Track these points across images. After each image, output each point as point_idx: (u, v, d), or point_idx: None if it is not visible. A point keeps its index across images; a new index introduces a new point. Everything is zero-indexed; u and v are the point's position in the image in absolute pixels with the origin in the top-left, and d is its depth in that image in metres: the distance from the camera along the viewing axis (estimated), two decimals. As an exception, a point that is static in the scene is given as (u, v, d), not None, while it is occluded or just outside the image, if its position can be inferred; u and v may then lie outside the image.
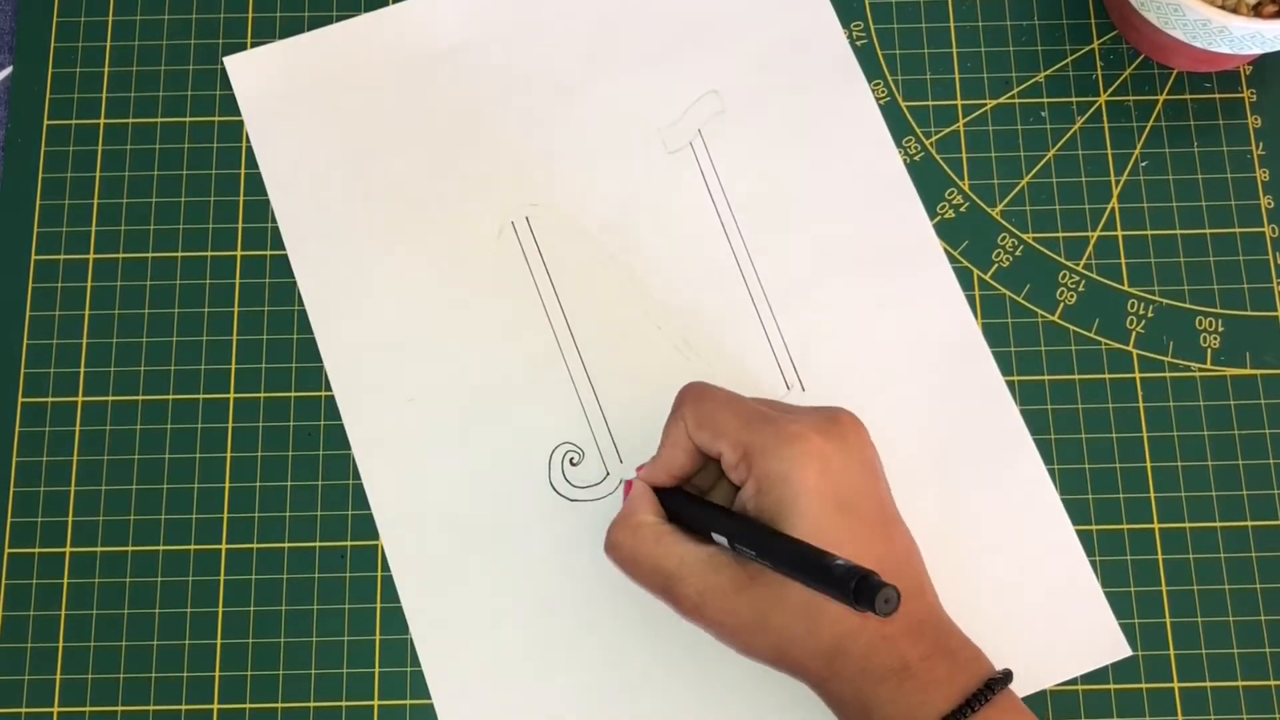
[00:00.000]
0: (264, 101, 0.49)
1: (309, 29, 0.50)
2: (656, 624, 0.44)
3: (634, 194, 0.48)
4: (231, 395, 0.47)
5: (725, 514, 0.39)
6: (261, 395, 0.47)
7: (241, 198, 0.49)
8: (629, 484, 0.43)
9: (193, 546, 0.45)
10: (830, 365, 0.47)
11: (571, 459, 0.46)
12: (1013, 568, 0.45)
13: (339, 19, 0.50)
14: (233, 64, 0.50)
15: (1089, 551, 0.45)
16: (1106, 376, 0.47)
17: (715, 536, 0.38)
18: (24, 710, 0.44)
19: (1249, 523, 0.45)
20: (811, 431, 0.38)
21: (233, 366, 0.47)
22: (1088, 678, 0.44)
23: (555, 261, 0.48)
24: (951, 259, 0.48)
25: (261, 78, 0.50)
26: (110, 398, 0.47)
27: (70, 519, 0.46)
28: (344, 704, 0.44)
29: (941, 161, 0.49)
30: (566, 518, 0.45)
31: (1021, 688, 0.43)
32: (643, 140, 0.49)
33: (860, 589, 0.32)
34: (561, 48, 0.50)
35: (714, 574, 0.38)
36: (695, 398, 0.40)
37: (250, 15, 0.51)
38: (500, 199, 0.48)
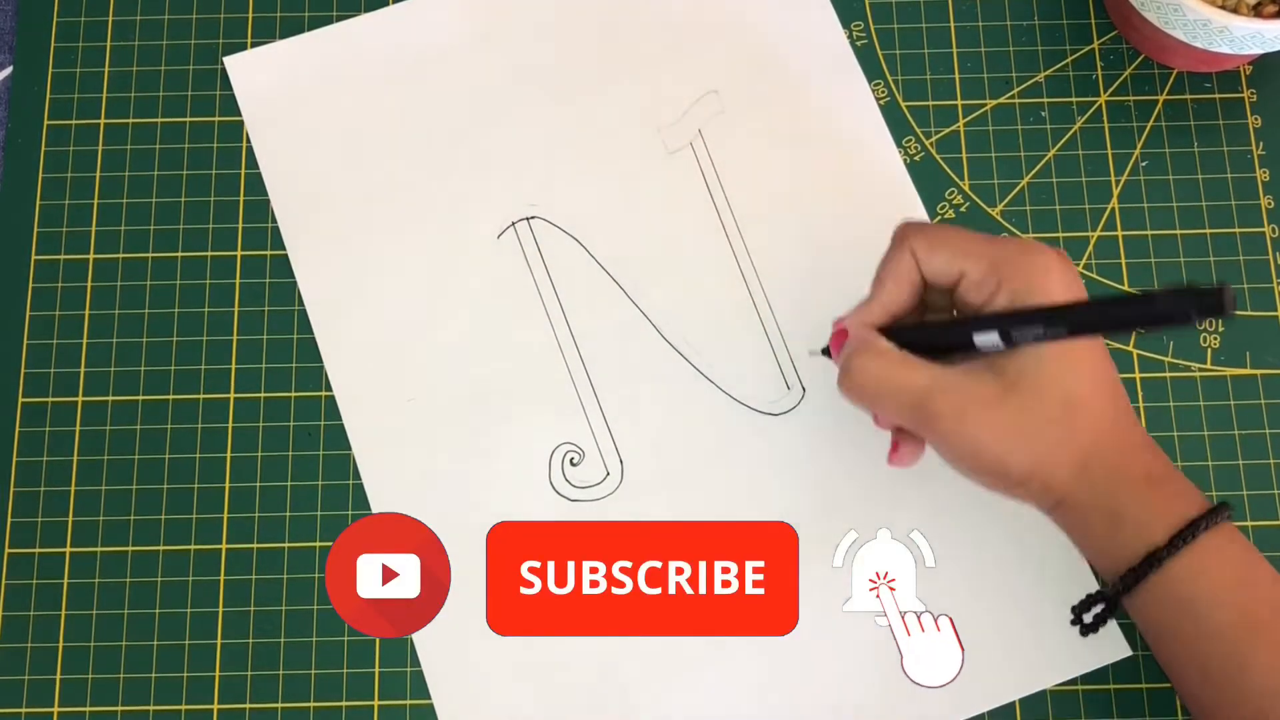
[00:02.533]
0: (264, 101, 0.49)
1: (309, 29, 0.50)
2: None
3: (634, 194, 0.48)
4: (231, 395, 0.47)
5: (983, 316, 0.38)
6: (261, 395, 0.47)
7: (241, 198, 0.49)
8: (840, 332, 0.40)
9: (193, 546, 0.45)
10: (831, 365, 0.46)
11: (571, 459, 0.46)
12: (1016, 571, 0.45)
13: (339, 19, 0.50)
14: (233, 64, 0.50)
15: (1089, 551, 0.45)
16: (1107, 376, 0.47)
17: (978, 339, 0.37)
18: (24, 710, 0.44)
19: (1249, 523, 0.45)
20: (1047, 246, 0.38)
21: (233, 366, 0.47)
22: (1088, 678, 0.44)
23: (555, 261, 0.48)
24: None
25: (261, 78, 0.50)
26: (110, 398, 0.47)
27: (70, 519, 0.46)
28: (344, 704, 0.44)
29: (941, 161, 0.49)
30: (567, 517, 0.45)
31: (1022, 688, 0.43)
32: (643, 140, 0.49)
33: (1202, 301, 0.31)
34: (562, 47, 0.50)
35: (974, 385, 0.37)
36: (920, 228, 0.39)
37: (250, 15, 0.51)
38: (500, 199, 0.48)
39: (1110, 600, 0.38)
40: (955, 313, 0.40)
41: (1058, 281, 0.37)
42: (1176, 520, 0.36)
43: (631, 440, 0.46)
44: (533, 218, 0.48)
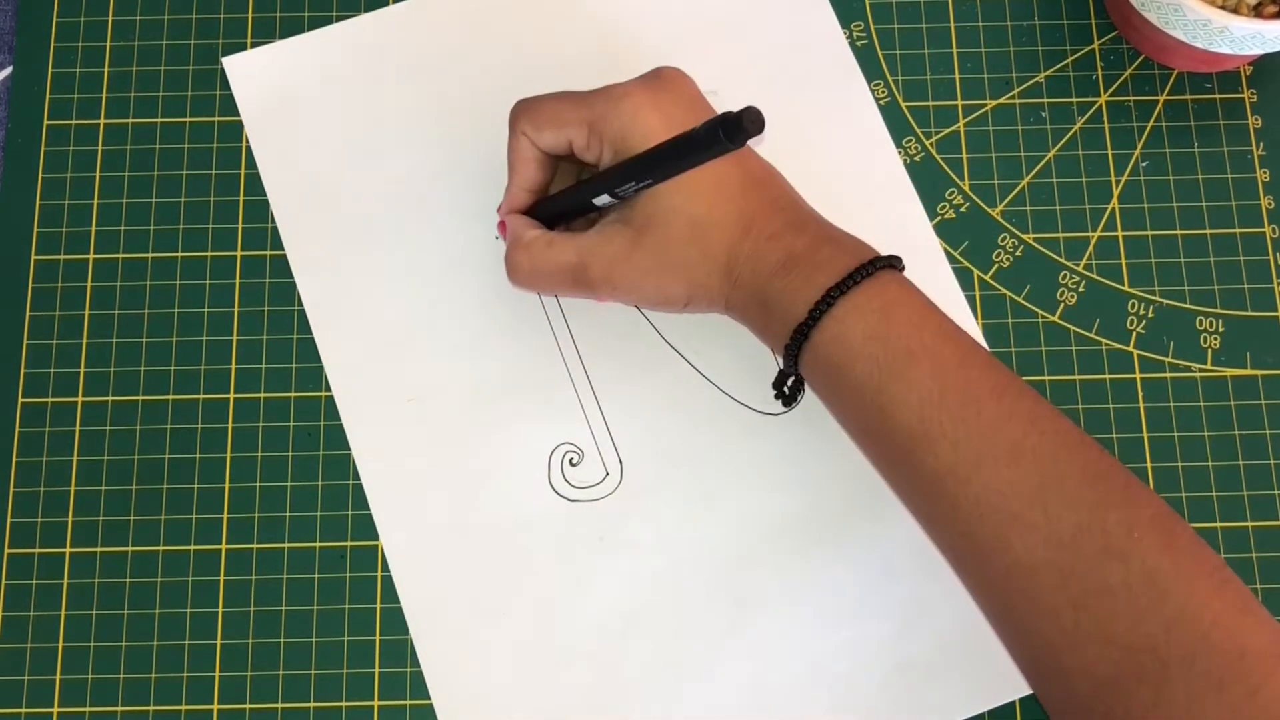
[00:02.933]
0: (263, 102, 0.49)
1: (309, 29, 0.50)
2: (656, 623, 0.44)
3: None
4: (231, 395, 0.47)
5: (593, 178, 0.42)
6: (261, 395, 0.47)
7: (241, 198, 0.49)
8: (501, 224, 0.44)
9: (193, 546, 0.45)
10: None
11: (571, 459, 0.46)
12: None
13: (339, 19, 0.50)
14: (232, 64, 0.50)
15: (1089, 552, 0.45)
16: (1107, 377, 0.47)
17: (596, 202, 0.41)
18: (24, 710, 0.44)
19: (1249, 523, 0.45)
20: (637, 87, 0.41)
21: (233, 366, 0.47)
22: (1088, 678, 0.44)
23: None
24: (951, 259, 0.48)
25: (261, 78, 0.50)
26: (110, 398, 0.47)
27: (70, 519, 0.46)
28: (344, 704, 0.44)
29: (941, 161, 0.49)
30: (567, 518, 0.45)
31: (1022, 687, 0.43)
32: None
33: (727, 127, 0.33)
34: (562, 48, 0.50)
35: (610, 244, 0.41)
36: (525, 107, 0.43)
37: (250, 15, 0.51)
38: (499, 199, 0.48)
39: (793, 373, 0.41)
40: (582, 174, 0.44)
41: (651, 121, 0.40)
42: (815, 293, 0.38)
43: (631, 440, 0.46)
44: None
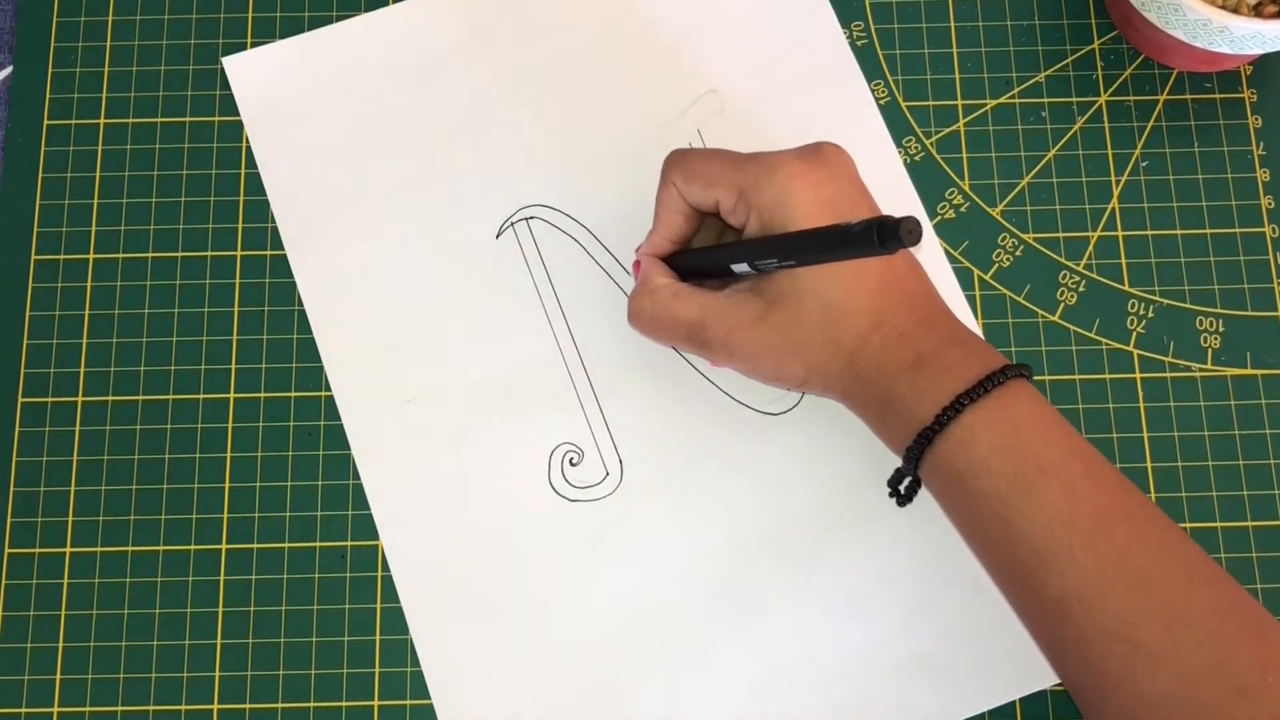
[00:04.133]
0: (262, 102, 0.49)
1: (309, 29, 0.50)
2: (656, 622, 0.44)
3: (633, 194, 0.48)
4: (231, 395, 0.47)
5: (736, 244, 0.41)
6: (261, 395, 0.47)
7: (241, 198, 0.49)
8: (636, 263, 0.44)
9: (193, 546, 0.45)
10: None
11: (571, 459, 0.46)
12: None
13: (339, 19, 0.50)
14: (232, 64, 0.50)
15: (1089, 552, 0.45)
16: (1107, 377, 0.47)
17: (735, 268, 0.40)
18: (24, 710, 0.44)
19: (1249, 523, 0.45)
20: (796, 160, 0.40)
21: (233, 366, 0.47)
22: (1088, 678, 0.44)
23: (554, 262, 0.48)
24: (952, 259, 0.48)
25: (261, 78, 0.50)
26: (110, 398, 0.47)
27: (70, 519, 0.46)
28: (344, 704, 0.44)
29: (941, 161, 0.49)
30: (566, 518, 0.45)
31: (1022, 687, 0.43)
32: (642, 140, 0.49)
33: (883, 230, 0.32)
34: (561, 47, 0.50)
35: (736, 310, 0.40)
36: (679, 158, 0.42)
37: (250, 15, 0.51)
38: (499, 199, 0.48)
39: (911, 475, 0.40)
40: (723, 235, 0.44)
41: (805, 197, 0.39)
42: (943, 398, 0.37)
43: (631, 440, 0.46)
44: (531, 217, 0.48)
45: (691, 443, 0.46)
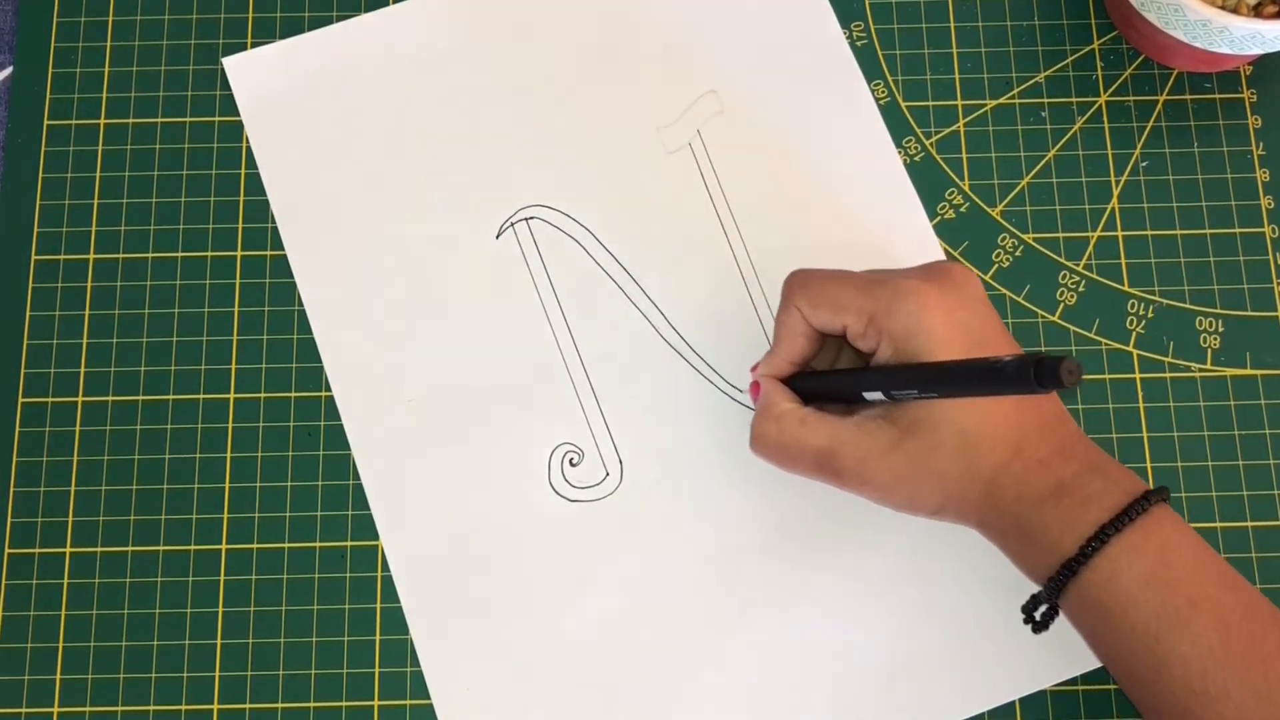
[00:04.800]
0: (263, 102, 0.49)
1: (309, 29, 0.50)
2: (657, 623, 0.44)
3: (633, 194, 0.48)
4: (231, 395, 0.47)
5: (872, 370, 0.40)
6: (261, 395, 0.47)
7: (241, 198, 0.49)
8: (755, 385, 0.42)
9: (193, 546, 0.45)
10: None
11: (571, 459, 0.46)
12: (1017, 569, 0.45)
13: (339, 19, 0.50)
14: (232, 64, 0.50)
15: (1089, 552, 0.45)
16: (1107, 377, 0.47)
17: (867, 396, 0.39)
18: (24, 710, 0.44)
19: (1249, 523, 0.45)
20: (926, 283, 0.38)
21: (233, 366, 0.47)
22: (1088, 677, 0.44)
23: (554, 262, 0.48)
24: (952, 259, 0.48)
25: (261, 79, 0.50)
26: (110, 398, 0.47)
27: (70, 519, 0.46)
28: (344, 704, 0.44)
29: (941, 162, 0.49)
30: (566, 518, 0.45)
31: (1022, 688, 0.43)
32: (642, 140, 0.49)
33: (1041, 370, 0.30)
34: (561, 48, 0.50)
35: (868, 438, 0.39)
36: (803, 282, 0.41)
37: (250, 15, 0.51)
38: (500, 199, 0.48)
39: (1044, 600, 0.39)
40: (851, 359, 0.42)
41: (938, 324, 0.38)
42: (1087, 528, 0.36)
43: (631, 440, 0.46)
44: (531, 218, 0.48)
45: (692, 443, 0.46)
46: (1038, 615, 0.39)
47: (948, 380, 0.37)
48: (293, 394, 0.47)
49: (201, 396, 0.47)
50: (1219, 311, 0.48)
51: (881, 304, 0.38)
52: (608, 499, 0.45)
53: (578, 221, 0.48)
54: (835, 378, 0.41)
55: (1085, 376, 0.47)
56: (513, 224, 0.48)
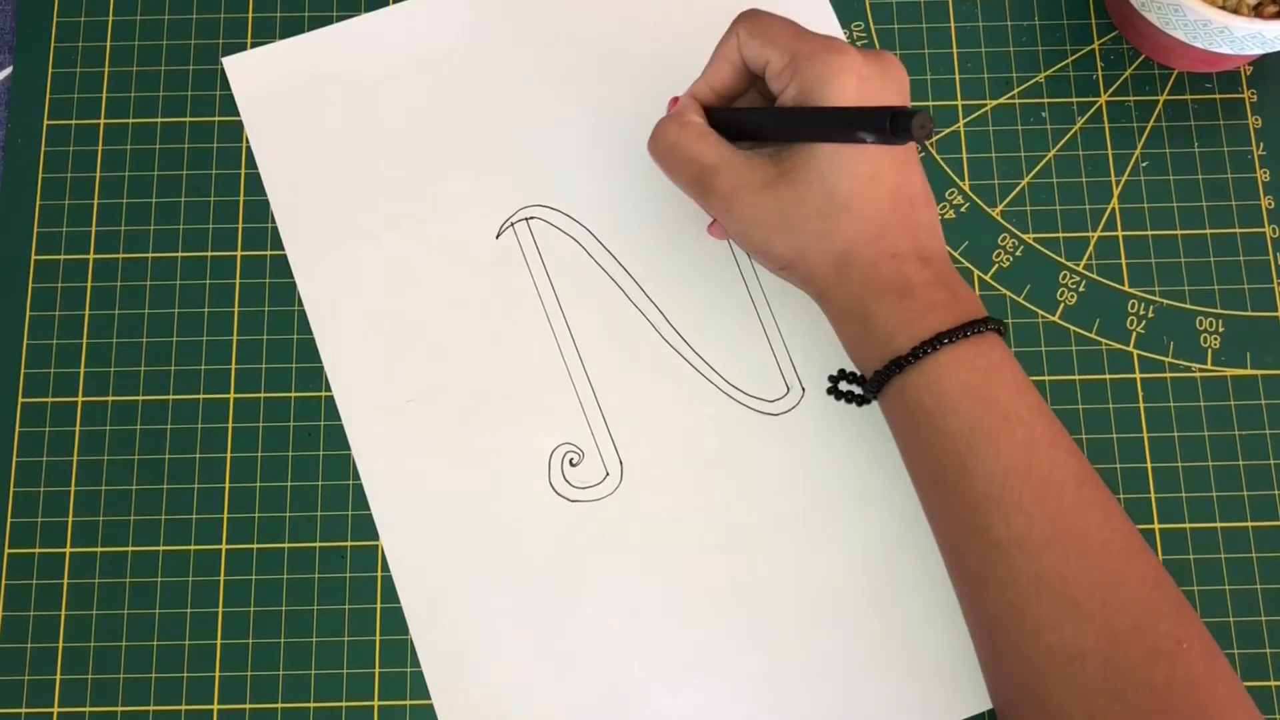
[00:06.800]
0: (263, 102, 0.49)
1: (309, 29, 0.50)
2: (657, 622, 0.44)
3: (633, 195, 0.48)
4: (231, 395, 0.47)
5: (763, 109, 0.41)
6: (261, 395, 0.47)
7: (241, 198, 0.49)
8: (672, 100, 0.44)
9: (193, 546, 0.45)
10: (831, 367, 0.47)
11: (571, 459, 0.46)
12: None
13: (339, 19, 0.50)
14: (232, 65, 0.50)
15: (1089, 552, 0.45)
16: (1107, 377, 0.47)
17: (756, 143, 0.40)
18: (24, 710, 0.44)
19: (1249, 523, 0.45)
20: (857, 53, 0.39)
21: (233, 366, 0.47)
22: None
23: (554, 262, 0.48)
24: (952, 259, 0.48)
25: (261, 79, 0.50)
26: (110, 398, 0.47)
27: (70, 519, 0.46)
28: (344, 704, 0.44)
29: (941, 162, 0.49)
30: (567, 518, 0.45)
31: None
32: (641, 140, 0.49)
33: (896, 120, 0.32)
34: (561, 48, 0.50)
35: (749, 170, 0.40)
36: (750, 14, 0.41)
37: (250, 15, 0.51)
38: (500, 200, 0.48)
39: (863, 392, 0.41)
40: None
41: (849, 84, 0.38)
42: (922, 332, 0.38)
43: (631, 440, 0.46)
44: (531, 218, 0.48)
45: (691, 442, 0.46)
46: (842, 387, 0.42)
47: (815, 122, 0.38)
48: (293, 394, 0.47)
49: (201, 396, 0.47)
50: (1219, 311, 0.48)
51: (808, 49, 0.39)
52: (608, 499, 0.45)
53: (578, 221, 0.48)
54: (734, 113, 0.42)
55: (1086, 376, 0.47)
56: (513, 224, 0.48)
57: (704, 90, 0.43)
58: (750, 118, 0.41)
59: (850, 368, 0.43)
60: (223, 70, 0.50)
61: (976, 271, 0.48)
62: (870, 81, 0.38)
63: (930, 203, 0.41)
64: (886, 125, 0.32)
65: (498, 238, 0.48)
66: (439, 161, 0.49)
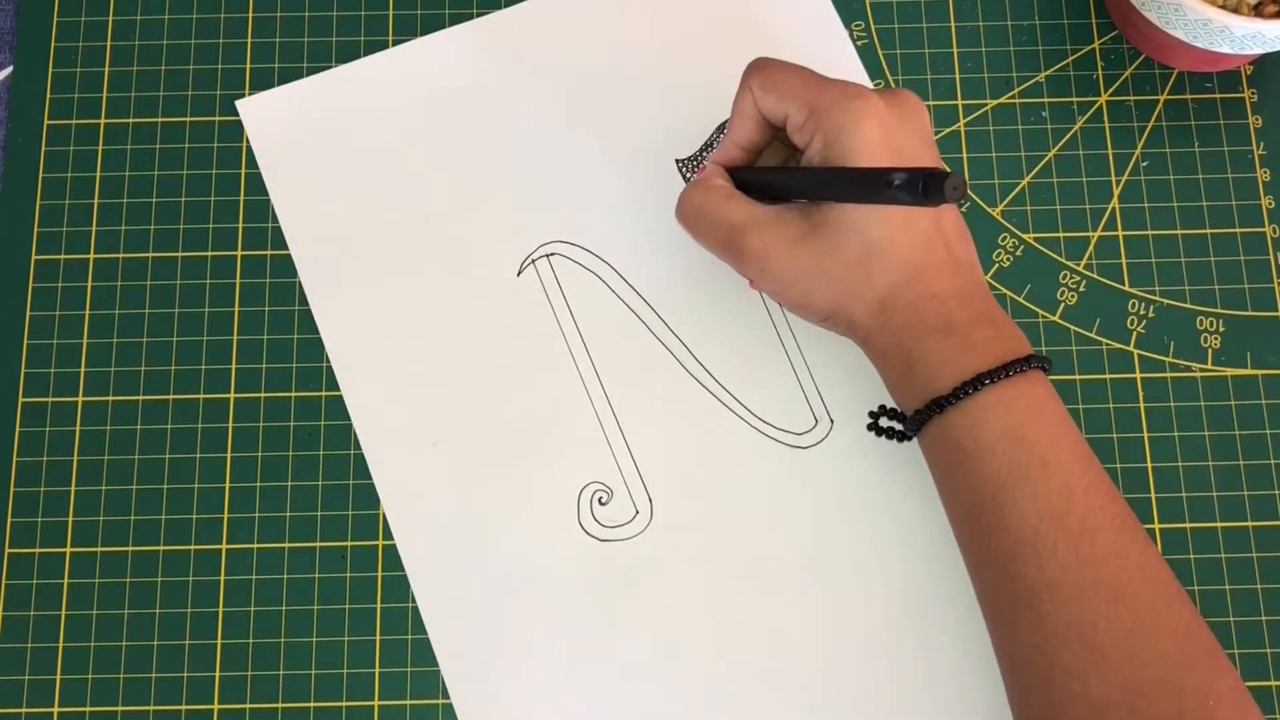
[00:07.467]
0: (279, 143, 0.49)
1: (309, 29, 0.50)
2: (690, 661, 0.43)
3: (654, 228, 0.48)
4: (231, 395, 0.47)
5: (792, 169, 0.41)
6: (261, 395, 0.47)
7: (241, 198, 0.49)
8: (702, 166, 0.44)
9: (193, 546, 0.45)
10: (859, 398, 0.46)
11: (600, 498, 0.45)
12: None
13: (339, 19, 0.50)
14: (245, 106, 0.49)
15: (1089, 552, 0.45)
16: (1107, 377, 0.47)
17: (786, 201, 0.41)
18: (24, 710, 0.44)
19: (1249, 523, 0.45)
20: (874, 96, 0.39)
21: (233, 366, 0.47)
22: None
23: (576, 298, 0.47)
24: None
25: (275, 119, 0.49)
26: (110, 398, 0.47)
27: (70, 519, 0.46)
28: (344, 704, 0.44)
29: (942, 162, 0.49)
30: (597, 557, 0.44)
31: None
32: (661, 174, 0.48)
33: (929, 183, 0.32)
34: (575, 83, 0.49)
35: (779, 227, 0.40)
36: (760, 66, 0.41)
37: (250, 15, 0.51)
38: (519, 237, 0.48)
39: (904, 430, 0.41)
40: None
41: (872, 132, 0.38)
42: (964, 372, 0.37)
43: (660, 477, 0.45)
44: (552, 254, 0.48)
45: (721, 478, 0.45)
46: (882, 423, 0.42)
47: (846, 183, 0.38)
48: (293, 394, 0.47)
49: (201, 396, 0.47)
50: (1220, 311, 0.48)
51: (825, 99, 0.39)
52: (638, 537, 0.45)
53: (599, 257, 0.48)
54: (762, 173, 0.42)
55: (1087, 376, 0.47)
56: (534, 261, 0.48)
57: (731, 150, 0.43)
58: (778, 179, 0.41)
59: (888, 402, 0.43)
60: (223, 70, 0.50)
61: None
62: (892, 127, 0.38)
63: (965, 236, 0.40)
64: (920, 188, 0.32)
65: (519, 275, 0.47)
66: (458, 200, 0.48)
